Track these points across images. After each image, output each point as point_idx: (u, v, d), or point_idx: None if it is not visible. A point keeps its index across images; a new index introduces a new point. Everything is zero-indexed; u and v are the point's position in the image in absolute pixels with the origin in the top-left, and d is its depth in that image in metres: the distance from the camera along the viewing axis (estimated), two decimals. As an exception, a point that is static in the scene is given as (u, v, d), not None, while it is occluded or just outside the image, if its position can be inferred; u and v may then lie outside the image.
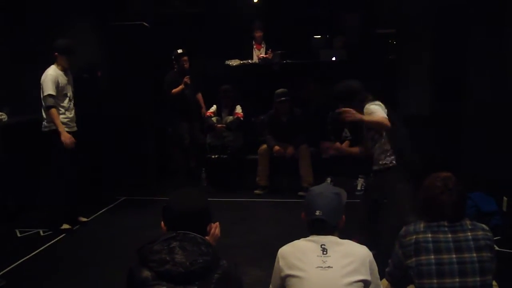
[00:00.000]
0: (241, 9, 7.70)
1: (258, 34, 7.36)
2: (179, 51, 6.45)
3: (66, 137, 4.74)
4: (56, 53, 4.84)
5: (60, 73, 4.84)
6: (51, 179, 4.98)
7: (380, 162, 3.77)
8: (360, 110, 3.67)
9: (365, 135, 3.96)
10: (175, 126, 6.60)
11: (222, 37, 7.50)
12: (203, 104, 6.84)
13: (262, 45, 7.42)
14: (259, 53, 7.36)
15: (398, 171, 3.71)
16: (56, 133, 4.76)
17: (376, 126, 3.66)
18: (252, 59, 7.32)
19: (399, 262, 2.24)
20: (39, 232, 4.92)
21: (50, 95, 4.72)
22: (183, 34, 7.17)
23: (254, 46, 7.43)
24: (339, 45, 7.25)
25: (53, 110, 4.73)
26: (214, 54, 7.27)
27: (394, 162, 3.72)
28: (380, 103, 3.69)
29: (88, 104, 5.17)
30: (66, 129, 4.80)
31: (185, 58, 6.45)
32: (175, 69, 6.50)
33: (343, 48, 7.21)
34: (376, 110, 3.61)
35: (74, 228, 4.96)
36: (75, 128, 4.99)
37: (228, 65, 7.15)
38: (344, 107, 3.65)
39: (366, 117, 3.60)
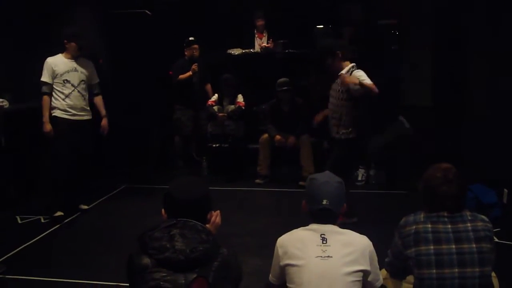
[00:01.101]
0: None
1: (260, 23, 7.30)
2: (190, 38, 6.45)
3: (45, 128, 4.74)
4: (65, 41, 4.82)
5: (64, 60, 4.83)
6: (49, 166, 4.98)
7: (340, 132, 4.33)
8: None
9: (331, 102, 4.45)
10: (178, 113, 6.58)
11: (224, 25, 7.45)
12: (210, 96, 6.80)
13: (264, 34, 7.36)
14: (261, 42, 7.31)
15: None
16: (54, 120, 4.78)
17: (368, 90, 4.02)
18: (254, 48, 7.29)
19: (398, 252, 2.24)
20: (39, 219, 4.94)
21: (43, 82, 4.77)
22: (185, 23, 7.12)
23: (256, 35, 7.38)
24: (348, 36, 7.16)
25: (45, 97, 4.78)
26: (216, 43, 7.24)
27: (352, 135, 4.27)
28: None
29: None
30: (65, 116, 4.80)
31: (196, 46, 6.46)
32: (186, 57, 6.49)
33: (352, 39, 7.13)
34: (366, 77, 4.06)
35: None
36: (81, 117, 4.94)
37: (230, 54, 7.12)
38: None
39: (362, 81, 4.01)
